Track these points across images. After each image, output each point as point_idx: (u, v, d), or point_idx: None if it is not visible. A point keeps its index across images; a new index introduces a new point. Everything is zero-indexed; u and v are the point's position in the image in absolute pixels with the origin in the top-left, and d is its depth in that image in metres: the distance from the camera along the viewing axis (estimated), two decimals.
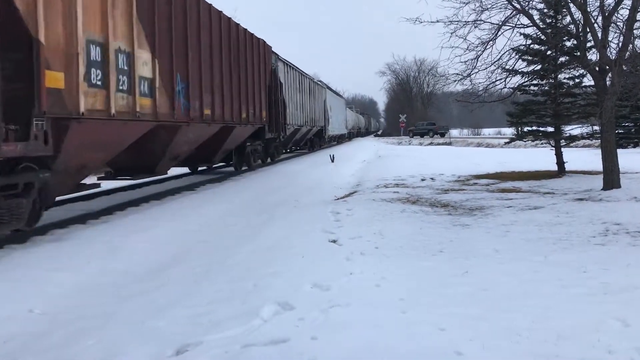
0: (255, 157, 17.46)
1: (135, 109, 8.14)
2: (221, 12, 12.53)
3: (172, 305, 4.39)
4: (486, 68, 10.77)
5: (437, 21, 10.42)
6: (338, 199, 10.67)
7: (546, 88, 14.39)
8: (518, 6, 10.17)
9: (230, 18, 13.19)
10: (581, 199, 9.39)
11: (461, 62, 10.72)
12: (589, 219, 7.55)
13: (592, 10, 9.82)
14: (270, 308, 4.12)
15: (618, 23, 9.75)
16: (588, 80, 13.21)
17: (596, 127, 13.52)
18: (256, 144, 17.15)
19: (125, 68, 7.87)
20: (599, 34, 9.72)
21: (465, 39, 10.36)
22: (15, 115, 5.76)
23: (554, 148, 14.20)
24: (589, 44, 10.81)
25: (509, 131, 23.74)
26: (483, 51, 10.50)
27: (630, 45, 9.65)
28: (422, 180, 13.77)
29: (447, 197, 10.47)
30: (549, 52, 13.51)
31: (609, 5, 9.70)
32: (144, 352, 3.46)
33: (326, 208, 9.05)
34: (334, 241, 6.56)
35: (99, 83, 7.13)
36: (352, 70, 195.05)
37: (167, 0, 9.51)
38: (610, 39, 9.81)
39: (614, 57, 9.67)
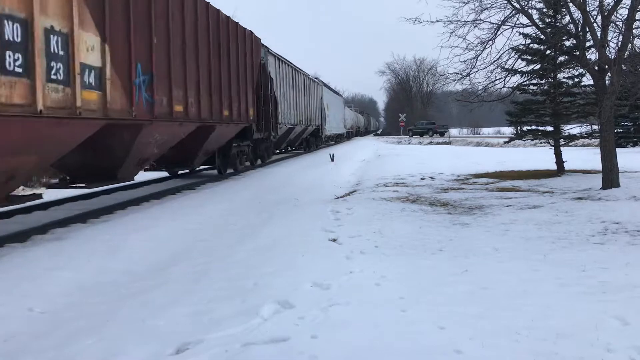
0: (242, 159, 16.02)
1: (75, 104, 6.61)
2: None
3: (173, 304, 4.40)
4: (485, 67, 10.80)
5: (437, 21, 10.43)
6: (338, 198, 10.67)
7: (545, 87, 14.40)
8: (517, 6, 10.18)
9: (209, 3, 11.57)
10: (580, 198, 9.40)
11: (460, 61, 10.75)
12: (588, 218, 7.57)
13: (591, 9, 9.85)
14: (270, 307, 4.13)
15: (617, 22, 9.76)
16: (587, 80, 13.24)
17: (595, 127, 13.53)
18: (243, 145, 15.73)
19: (61, 53, 6.34)
20: (598, 34, 9.74)
21: (464, 38, 10.39)
22: None
23: (553, 147, 14.22)
24: (588, 44, 10.83)
25: (509, 130, 23.74)
26: (482, 51, 10.52)
27: (630, 45, 9.66)
28: (422, 179, 13.78)
29: (447, 196, 10.48)
30: (548, 52, 13.53)
31: (608, 4, 9.72)
32: (144, 351, 3.47)
33: (326, 207, 9.06)
34: (334, 240, 6.58)
35: (18, 70, 5.60)
36: (352, 69, 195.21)
37: None
38: (609, 38, 9.83)
39: (613, 57, 9.68)
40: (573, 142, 15.44)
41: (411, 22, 10.54)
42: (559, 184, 11.69)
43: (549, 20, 13.14)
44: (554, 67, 13.78)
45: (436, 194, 10.75)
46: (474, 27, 10.41)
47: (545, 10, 12.70)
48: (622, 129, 24.91)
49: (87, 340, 3.70)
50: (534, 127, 15.00)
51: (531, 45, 13.35)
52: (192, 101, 10.56)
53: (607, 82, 10.08)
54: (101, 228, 7.43)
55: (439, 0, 10.40)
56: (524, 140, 16.85)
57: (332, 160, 21.03)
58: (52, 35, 6.18)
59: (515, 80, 13.24)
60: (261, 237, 6.95)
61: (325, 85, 36.72)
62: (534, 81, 14.34)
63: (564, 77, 14.35)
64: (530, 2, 10.64)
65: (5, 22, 5.43)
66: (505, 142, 18.54)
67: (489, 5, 10.20)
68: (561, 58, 13.60)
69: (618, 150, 10.68)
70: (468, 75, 10.81)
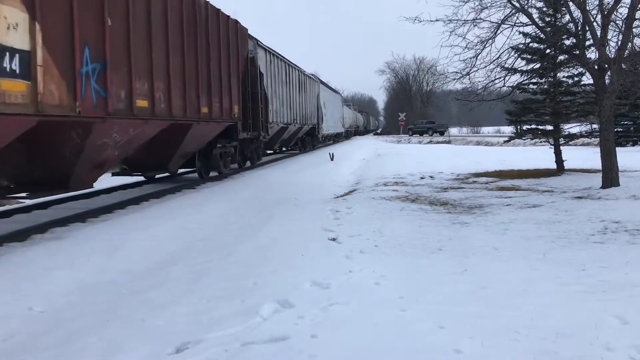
0: (227, 162, 14.53)
1: None
2: None
3: (172, 303, 4.40)
4: (485, 66, 10.79)
5: (437, 20, 10.43)
6: (337, 197, 10.67)
7: (545, 86, 14.40)
8: (517, 5, 10.18)
9: None
10: (580, 197, 9.41)
11: (460, 60, 10.76)
12: (588, 217, 7.57)
13: (591, 8, 9.85)
14: (269, 306, 4.13)
15: (617, 21, 9.77)
16: (587, 79, 13.24)
17: (595, 126, 13.53)
18: (229, 146, 14.39)
19: None
20: (598, 33, 9.74)
21: (464, 37, 10.38)
22: None
23: (553, 146, 14.22)
24: (588, 43, 10.83)
25: (508, 129, 23.74)
26: (482, 50, 10.52)
27: (629, 44, 9.66)
28: (422, 178, 13.78)
29: (447, 195, 10.48)
30: (548, 51, 13.52)
31: (608, 3, 9.72)
32: (144, 350, 3.47)
33: (326, 206, 9.06)
34: (334, 239, 6.58)
35: None
36: (352, 68, 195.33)
37: None
38: (609, 37, 9.84)
39: (613, 56, 9.68)
40: (573, 141, 15.44)
41: (411, 21, 10.54)
42: (559, 183, 11.69)
43: (549, 19, 13.13)
44: (553, 66, 13.78)
45: (436, 193, 10.75)
46: (474, 26, 10.43)
47: (545, 9, 12.69)
48: (622, 128, 24.92)
49: (87, 339, 3.70)
50: (533, 126, 15.00)
51: (531, 44, 13.35)
52: (161, 96, 9.20)
53: (607, 81, 10.08)
54: (101, 227, 7.43)
55: None
56: (524, 140, 16.87)
57: (332, 159, 21.04)
58: None
59: (515, 79, 13.24)
60: (260, 237, 6.95)
61: (322, 82, 35.44)
62: (533, 80, 14.33)
63: (563, 76, 14.36)
64: (530, 1, 10.66)
65: None
66: (505, 141, 18.55)
67: (488, 4, 10.21)
68: (561, 57, 13.59)
69: (618, 149, 10.68)
70: (468, 74, 10.82)
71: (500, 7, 10.29)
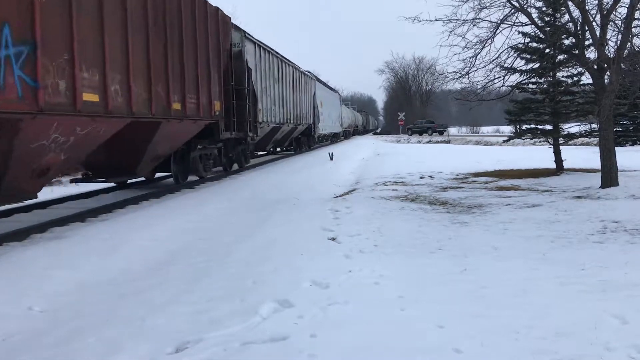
0: (208, 165, 13.25)
1: None
2: None
3: (172, 302, 4.40)
4: (485, 66, 10.79)
5: (436, 20, 10.43)
6: (337, 197, 10.67)
7: (545, 86, 14.41)
8: (517, 4, 10.18)
9: None
10: (579, 197, 9.41)
11: (460, 60, 10.75)
12: (587, 216, 7.58)
13: (590, 8, 9.85)
14: (269, 305, 4.13)
15: (616, 21, 9.78)
16: (586, 79, 13.24)
17: (594, 125, 13.53)
18: (211, 147, 13.17)
19: None
20: (598, 32, 9.74)
21: (463, 37, 10.39)
22: None
23: (552, 146, 14.23)
24: (587, 42, 10.84)
25: (508, 129, 23.76)
26: (482, 49, 10.52)
27: (629, 44, 9.67)
28: (421, 178, 13.78)
29: (446, 195, 10.49)
30: (547, 50, 13.52)
31: (607, 3, 9.72)
32: (143, 350, 3.47)
33: (325, 206, 9.06)
34: (333, 239, 6.58)
35: None
36: (352, 68, 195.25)
37: None
38: (608, 37, 9.84)
39: (612, 55, 9.68)
40: (572, 141, 15.44)
41: (410, 21, 10.54)
42: (558, 182, 11.69)
43: (548, 19, 13.14)
44: (553, 66, 13.78)
45: (435, 193, 10.76)
46: (473, 25, 10.43)
47: (544, 9, 12.71)
48: (621, 128, 24.92)
49: (86, 338, 3.70)
50: (533, 126, 15.01)
51: (530, 43, 13.37)
52: (118, 89, 7.87)
53: (606, 80, 10.08)
54: (100, 227, 7.43)
55: None
56: (523, 139, 16.86)
57: (332, 159, 21.09)
58: None
59: (514, 79, 13.24)
60: (260, 236, 6.95)
61: (318, 80, 33.85)
62: (533, 80, 14.34)
63: (563, 76, 14.37)
64: (529, 0, 10.66)
65: None
66: (504, 141, 18.55)
67: (488, 4, 10.21)
68: (560, 57, 13.60)
69: (617, 149, 10.69)
70: (467, 74, 10.82)
71: (499, 6, 10.30)
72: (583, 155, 16.54)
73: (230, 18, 13.54)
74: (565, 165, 13.86)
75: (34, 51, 6.11)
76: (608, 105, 9.80)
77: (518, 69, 13.17)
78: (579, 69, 13.37)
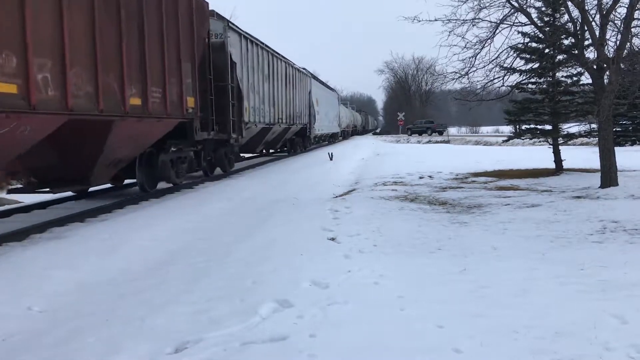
0: (182, 170, 11.55)
1: None
2: None
3: (171, 302, 4.40)
4: (484, 66, 10.80)
5: (435, 20, 10.44)
6: (337, 197, 10.67)
7: (544, 86, 14.41)
8: (516, 4, 10.19)
9: None
10: (579, 197, 9.42)
11: (459, 60, 10.76)
12: (587, 216, 7.58)
13: (590, 8, 9.86)
14: (269, 305, 4.13)
15: (616, 21, 9.78)
16: (586, 79, 13.25)
17: (594, 125, 13.54)
18: (187, 150, 11.66)
19: None
20: (597, 32, 9.75)
21: (463, 37, 10.39)
22: None
23: (551, 146, 14.23)
24: (586, 42, 10.84)
25: (507, 129, 23.74)
26: (481, 49, 10.52)
27: (628, 44, 9.67)
28: (421, 178, 13.79)
29: (445, 194, 10.49)
30: (546, 50, 13.53)
31: (607, 3, 9.72)
32: (143, 350, 3.47)
33: (325, 206, 9.06)
34: (333, 239, 6.58)
35: None
36: (351, 68, 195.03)
37: None
38: (608, 37, 9.84)
39: (611, 55, 9.69)
40: (572, 141, 15.44)
41: (410, 20, 10.54)
42: (558, 182, 11.70)
43: (548, 19, 13.14)
44: (552, 66, 13.78)
45: (435, 193, 10.76)
46: (473, 25, 10.43)
47: (543, 9, 12.71)
48: (621, 128, 24.95)
49: (86, 338, 3.70)
50: (532, 126, 15.01)
51: (530, 43, 13.36)
52: (48, 78, 6.37)
53: (605, 80, 10.09)
54: (100, 227, 7.42)
55: None
56: (523, 139, 16.85)
57: (331, 159, 21.11)
58: None
59: (513, 79, 13.24)
60: (259, 236, 6.95)
61: (314, 77, 31.76)
62: (532, 80, 14.34)
63: (562, 76, 14.36)
64: (528, 0, 10.67)
65: None
66: (503, 141, 18.55)
67: (487, 4, 10.21)
68: (560, 57, 13.60)
69: (616, 149, 10.69)
70: (467, 74, 10.83)
71: (499, 7, 10.30)
72: (582, 155, 16.55)
73: (208, 4, 11.96)
74: (565, 165, 13.87)
75: None
76: (607, 105, 9.80)
77: (517, 69, 13.17)
78: (579, 69, 13.39)
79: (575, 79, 14.12)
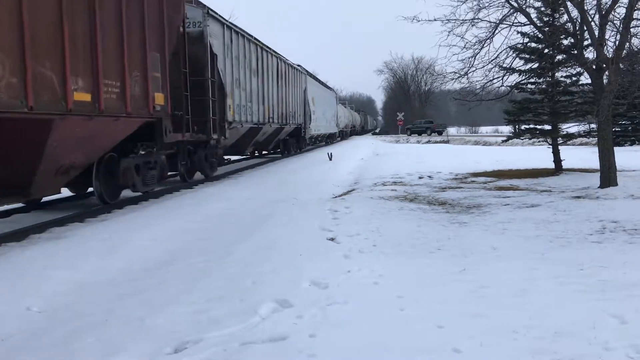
0: (150, 176, 9.92)
1: None
2: None
3: (171, 302, 4.40)
4: (484, 66, 10.80)
5: (435, 20, 10.44)
6: (336, 197, 10.67)
7: (543, 86, 14.41)
8: (515, 4, 10.19)
9: None
10: (578, 197, 9.42)
11: (458, 60, 10.76)
12: (586, 216, 7.59)
13: (589, 8, 9.87)
14: (268, 306, 4.13)
15: (615, 21, 9.78)
16: (585, 79, 13.26)
17: (593, 125, 13.55)
18: (158, 154, 10.15)
19: None
20: (596, 32, 9.75)
21: (462, 37, 10.39)
22: None
23: (551, 146, 14.24)
24: (586, 42, 10.84)
25: (507, 129, 23.75)
26: (480, 49, 10.52)
27: (627, 44, 9.68)
28: (420, 178, 13.79)
29: (445, 195, 10.49)
30: (546, 51, 13.53)
31: (606, 3, 9.73)
32: (142, 350, 3.47)
33: (324, 206, 9.06)
34: (332, 239, 6.58)
35: None
36: (351, 68, 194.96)
37: None
38: (607, 37, 9.84)
39: (610, 55, 9.70)
40: (571, 141, 15.45)
41: (409, 20, 10.55)
42: (557, 182, 11.70)
43: (547, 19, 13.14)
44: (552, 66, 13.79)
45: (434, 193, 10.76)
46: (472, 25, 10.43)
47: (543, 9, 12.71)
48: (620, 128, 24.96)
49: (85, 339, 3.69)
50: (532, 126, 15.02)
51: (529, 44, 13.36)
52: None
53: (604, 80, 10.09)
54: (99, 227, 7.42)
55: None
56: (522, 139, 16.86)
57: (330, 159, 21.13)
58: None
59: (513, 79, 13.23)
60: (259, 236, 6.95)
61: (310, 74, 30.02)
62: (532, 80, 14.34)
63: (562, 76, 14.37)
64: (528, 0, 10.68)
65: None
66: (503, 141, 18.55)
67: (486, 4, 10.21)
68: (559, 57, 13.61)
69: (616, 148, 10.70)
70: (466, 74, 10.83)
71: (498, 7, 10.31)
72: (582, 155, 16.56)
73: None
74: (564, 165, 13.88)
75: None
76: (607, 105, 9.81)
77: (517, 69, 13.17)
78: (578, 69, 13.38)
79: (574, 79, 14.13)
